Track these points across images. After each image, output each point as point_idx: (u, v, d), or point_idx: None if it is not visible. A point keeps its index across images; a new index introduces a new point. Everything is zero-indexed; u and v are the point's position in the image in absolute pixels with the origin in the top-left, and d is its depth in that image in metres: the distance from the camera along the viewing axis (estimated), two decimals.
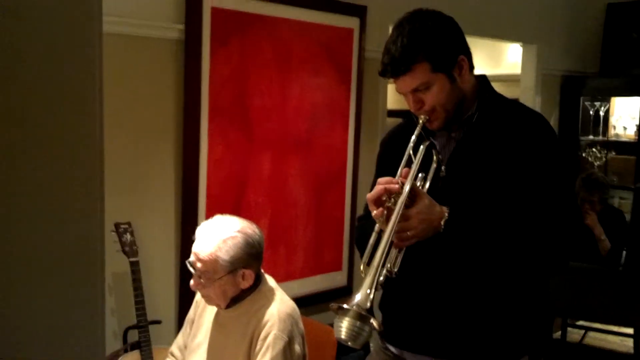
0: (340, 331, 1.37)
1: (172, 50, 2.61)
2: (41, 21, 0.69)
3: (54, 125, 0.71)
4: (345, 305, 1.38)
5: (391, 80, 1.61)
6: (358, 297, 1.39)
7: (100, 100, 0.74)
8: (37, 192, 0.70)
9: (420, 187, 1.55)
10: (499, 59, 5.37)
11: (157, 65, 2.58)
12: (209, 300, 1.96)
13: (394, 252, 1.50)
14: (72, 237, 0.72)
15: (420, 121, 1.59)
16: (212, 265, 1.87)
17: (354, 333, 1.36)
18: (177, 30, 2.60)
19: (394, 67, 1.55)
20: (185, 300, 2.59)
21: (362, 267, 1.47)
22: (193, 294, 2.09)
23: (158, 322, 2.53)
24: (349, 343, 1.38)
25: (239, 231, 1.92)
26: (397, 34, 1.55)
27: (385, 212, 1.49)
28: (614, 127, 5.28)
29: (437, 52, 1.54)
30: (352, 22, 3.25)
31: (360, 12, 3.28)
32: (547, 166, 1.56)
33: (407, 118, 1.74)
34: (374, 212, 1.51)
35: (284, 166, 3.04)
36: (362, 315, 1.36)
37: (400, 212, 1.46)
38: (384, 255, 1.44)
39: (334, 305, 1.40)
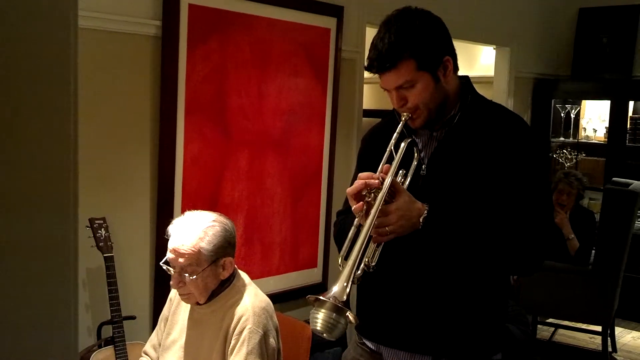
0: (317, 323, 1.37)
1: (149, 46, 2.60)
2: (16, 13, 0.68)
3: (27, 119, 0.70)
4: (321, 297, 1.38)
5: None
6: (335, 289, 1.39)
7: (75, 94, 0.73)
8: (9, 186, 0.69)
9: (400, 184, 1.56)
10: (472, 61, 5.44)
11: (134, 61, 2.57)
12: (188, 298, 1.94)
13: (372, 246, 1.51)
14: (45, 231, 0.71)
15: (403, 119, 1.60)
16: (195, 257, 1.87)
17: (329, 325, 1.36)
18: (154, 26, 2.59)
19: (379, 63, 1.56)
20: (160, 296, 2.59)
21: (339, 261, 1.47)
22: (168, 290, 2.08)
23: (132, 317, 2.52)
24: (325, 335, 1.38)
25: (215, 221, 1.93)
26: (384, 30, 1.56)
27: (365, 206, 1.50)
28: (584, 130, 5.39)
29: (423, 51, 1.55)
30: (329, 22, 3.28)
31: (337, 12, 3.30)
32: (525, 169, 1.58)
33: (387, 116, 1.76)
34: (354, 206, 1.52)
35: (261, 164, 3.05)
36: (339, 308, 1.36)
37: (380, 207, 1.47)
38: (362, 249, 1.44)
39: (311, 297, 1.40)
